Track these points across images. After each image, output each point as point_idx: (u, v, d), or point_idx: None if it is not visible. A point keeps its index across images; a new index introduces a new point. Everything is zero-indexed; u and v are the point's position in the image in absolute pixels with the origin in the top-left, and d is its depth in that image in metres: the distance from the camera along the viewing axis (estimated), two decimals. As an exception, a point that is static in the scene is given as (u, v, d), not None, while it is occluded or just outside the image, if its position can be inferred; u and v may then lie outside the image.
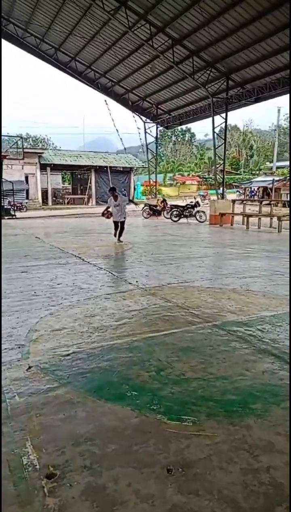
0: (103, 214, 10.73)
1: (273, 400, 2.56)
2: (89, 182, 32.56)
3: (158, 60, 17.30)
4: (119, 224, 10.36)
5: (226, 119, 16.77)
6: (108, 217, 10.61)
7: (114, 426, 2.29)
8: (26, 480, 1.86)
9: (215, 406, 2.49)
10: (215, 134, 17.24)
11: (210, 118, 19.18)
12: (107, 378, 2.89)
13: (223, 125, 17.49)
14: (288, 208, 23.98)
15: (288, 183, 32.15)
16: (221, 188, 17.83)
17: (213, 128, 16.88)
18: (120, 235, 10.42)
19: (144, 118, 22.81)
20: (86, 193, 32.76)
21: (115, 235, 10.53)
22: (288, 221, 13.33)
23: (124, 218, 10.38)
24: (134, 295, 5.23)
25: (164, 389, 2.71)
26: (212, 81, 16.41)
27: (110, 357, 3.24)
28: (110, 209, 10.44)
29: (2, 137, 22.91)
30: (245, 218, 14.63)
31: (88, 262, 7.50)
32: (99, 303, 4.80)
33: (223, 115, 16.89)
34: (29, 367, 3.04)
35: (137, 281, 5.94)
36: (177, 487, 1.82)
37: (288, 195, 25.26)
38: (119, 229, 10.39)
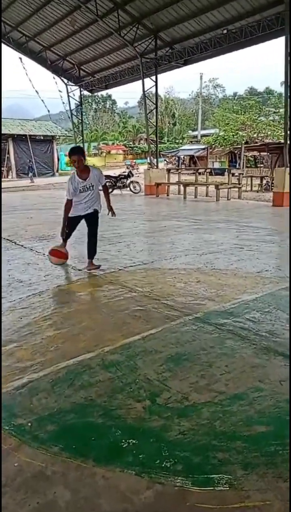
0: (63, 232, 4.87)
1: (312, 425, 1.99)
2: (7, 152, 29.53)
3: (79, 13, 15.51)
4: (88, 223, 4.90)
5: (156, 82, 15.80)
6: (67, 234, 4.91)
7: (120, 513, 1.52)
8: None
9: (247, 449, 1.84)
10: (142, 100, 16.24)
11: (135, 83, 18.16)
12: (87, 420, 2.08)
13: (151, 90, 16.51)
14: (215, 176, 24.15)
15: (214, 151, 32.54)
16: (149, 158, 17.05)
17: (144, 91, 15.85)
18: (93, 253, 4.97)
19: (66, 80, 20.82)
20: (5, 165, 29.71)
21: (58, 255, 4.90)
22: (226, 189, 13.17)
23: (96, 208, 4.84)
24: (88, 285, 4.37)
25: (170, 428, 1.99)
26: (139, 39, 15.20)
27: (82, 382, 2.42)
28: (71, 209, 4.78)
29: None
30: (182, 188, 14.18)
31: (22, 246, 6.36)
32: (48, 301, 3.87)
33: (153, 77, 15.87)
34: None
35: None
36: None
37: (271, 162, 24.46)
38: (90, 238, 4.94)
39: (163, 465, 1.75)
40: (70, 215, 4.77)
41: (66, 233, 4.92)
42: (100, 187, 4.85)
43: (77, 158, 4.54)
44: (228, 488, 1.63)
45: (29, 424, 2.04)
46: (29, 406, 2.19)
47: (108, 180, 16.84)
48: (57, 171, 31.66)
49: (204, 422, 2.04)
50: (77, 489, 1.64)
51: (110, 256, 5.62)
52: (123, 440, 1.91)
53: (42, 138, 30.14)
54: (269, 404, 2.18)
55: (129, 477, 1.70)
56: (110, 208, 5.01)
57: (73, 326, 3.26)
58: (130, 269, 4.94)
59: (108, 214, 5.00)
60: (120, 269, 4.91)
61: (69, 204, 4.71)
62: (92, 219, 4.89)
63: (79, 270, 4.93)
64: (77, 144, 21.28)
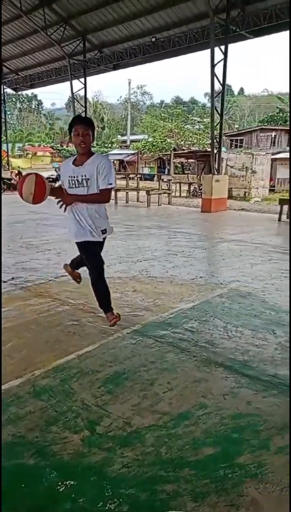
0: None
1: (257, 442, 1.94)
2: None
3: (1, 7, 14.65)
4: (89, 255, 3.07)
5: (85, 84, 15.53)
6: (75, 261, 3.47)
7: None
8: None
9: (196, 476, 1.72)
10: (70, 102, 15.88)
11: (63, 84, 17.72)
12: (16, 462, 1.80)
13: (79, 92, 16.19)
14: (144, 181, 24.48)
15: (143, 156, 33.01)
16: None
17: (72, 93, 15.49)
18: (105, 301, 3.09)
19: (-13, 76, 19.52)
20: None
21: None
22: (157, 195, 13.32)
23: (102, 229, 3.02)
24: (14, 298, 3.99)
25: (112, 462, 1.80)
26: (67, 39, 14.84)
27: (9, 415, 2.12)
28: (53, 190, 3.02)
29: None
30: (113, 193, 14.03)
31: None
32: None
33: (82, 80, 15.57)
34: None
35: (13, 278, 4.65)
36: None
37: (197, 169, 24.41)
38: (94, 274, 3.09)
39: (106, 507, 1.56)
40: (72, 234, 3.02)
41: (75, 260, 3.48)
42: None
43: (83, 130, 2.75)
44: (179, 527, 1.48)
45: None
46: None
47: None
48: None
49: (149, 449, 1.88)
50: None
51: (39, 265, 5.25)
52: (60, 483, 1.68)
53: None
54: (214, 421, 2.09)
55: (68, 529, 1.47)
56: (63, 197, 2.87)
57: (-1, 347, 2.91)
58: (61, 279, 4.63)
59: (55, 199, 2.90)
60: (50, 280, 4.59)
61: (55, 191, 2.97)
62: (92, 249, 3.05)
63: (4, 282, 4.51)
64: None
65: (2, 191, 17.50)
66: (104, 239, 3.12)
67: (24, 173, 19.58)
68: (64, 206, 2.89)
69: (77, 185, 2.86)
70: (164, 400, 2.28)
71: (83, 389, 2.37)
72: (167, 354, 2.83)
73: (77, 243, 3.03)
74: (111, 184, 2.84)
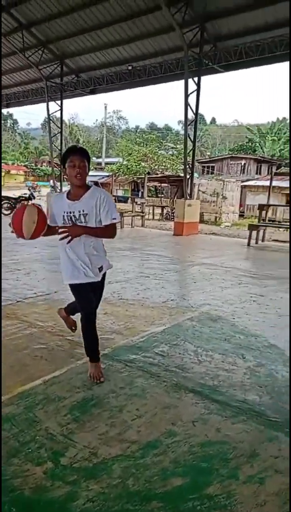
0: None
1: (226, 471, 1.90)
2: None
3: (-21, 26, 14.74)
4: (81, 298, 2.75)
5: (61, 107, 15.66)
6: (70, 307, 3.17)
7: None
8: None
9: (164, 509, 1.66)
10: (46, 123, 15.97)
11: (39, 104, 17.85)
12: (-29, 499, 1.67)
13: (56, 114, 16.32)
14: (118, 203, 24.70)
15: (117, 179, 33.37)
16: (52, 181, 16.73)
17: (48, 114, 15.57)
18: (92, 348, 2.79)
19: None
20: None
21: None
22: (130, 217, 13.42)
23: (99, 267, 2.76)
24: (-20, 320, 3.83)
25: (76, 496, 1.71)
26: (45, 62, 15.01)
27: None
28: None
29: None
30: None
31: None
32: None
33: (58, 102, 15.72)
34: None
35: (-21, 298, 4.48)
36: None
37: (170, 193, 24.64)
38: (84, 319, 2.74)
39: None
40: (66, 277, 2.74)
41: (72, 304, 3.11)
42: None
43: (79, 162, 2.52)
44: None
45: None
46: None
47: (6, 201, 15.81)
48: None
49: (116, 481, 1.81)
50: None
51: (8, 285, 5.10)
52: (19, 521, 1.57)
53: None
54: (183, 450, 2.04)
55: None
56: (69, 228, 2.53)
57: None
58: (30, 300, 4.52)
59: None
60: (18, 301, 4.46)
61: (47, 230, 2.53)
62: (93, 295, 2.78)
63: None
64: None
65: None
66: (103, 277, 2.83)
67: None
68: (68, 238, 2.50)
69: (74, 221, 2.59)
70: (132, 428, 2.21)
71: (48, 417, 2.27)
72: (137, 379, 2.77)
73: (70, 285, 2.77)
74: (115, 218, 2.66)
